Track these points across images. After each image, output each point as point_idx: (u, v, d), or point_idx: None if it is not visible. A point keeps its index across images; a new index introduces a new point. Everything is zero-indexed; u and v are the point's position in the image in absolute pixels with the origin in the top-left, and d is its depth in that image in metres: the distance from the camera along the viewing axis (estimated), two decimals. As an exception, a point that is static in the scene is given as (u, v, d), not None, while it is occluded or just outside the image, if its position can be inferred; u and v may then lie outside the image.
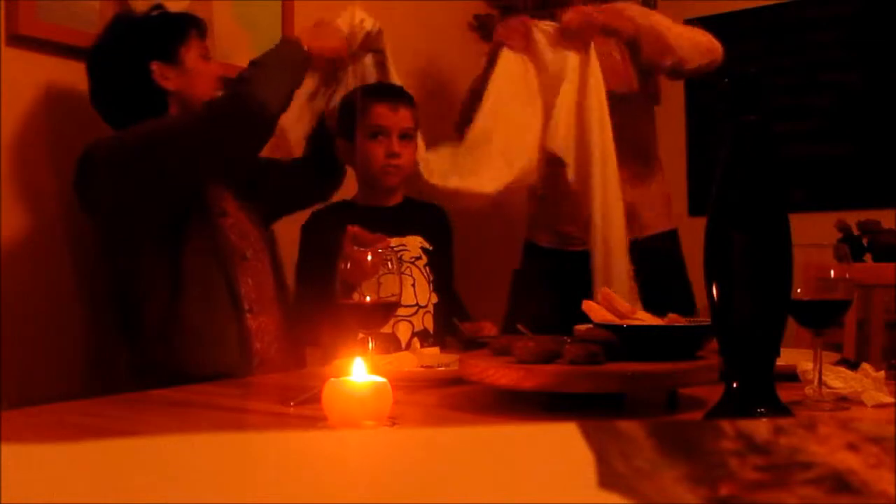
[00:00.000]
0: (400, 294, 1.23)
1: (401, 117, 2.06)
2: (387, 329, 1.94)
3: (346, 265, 1.23)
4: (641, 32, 2.15)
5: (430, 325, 2.05)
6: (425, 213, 2.20)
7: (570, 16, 2.12)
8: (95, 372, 1.88)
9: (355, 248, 1.45)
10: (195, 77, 1.84)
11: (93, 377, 1.87)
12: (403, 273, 1.95)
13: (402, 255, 2.04)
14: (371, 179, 2.09)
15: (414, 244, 2.10)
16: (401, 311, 1.95)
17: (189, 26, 1.86)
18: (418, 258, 2.09)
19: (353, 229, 1.59)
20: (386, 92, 2.10)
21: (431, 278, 2.10)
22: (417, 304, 2.06)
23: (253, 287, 1.82)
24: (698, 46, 2.21)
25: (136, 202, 1.69)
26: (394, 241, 2.03)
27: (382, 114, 2.05)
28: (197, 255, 1.73)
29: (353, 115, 2.05)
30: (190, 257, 1.72)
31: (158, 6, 1.88)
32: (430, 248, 2.12)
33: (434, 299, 2.08)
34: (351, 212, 2.08)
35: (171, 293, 1.69)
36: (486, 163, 2.09)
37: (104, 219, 1.75)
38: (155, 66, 1.78)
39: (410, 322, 2.03)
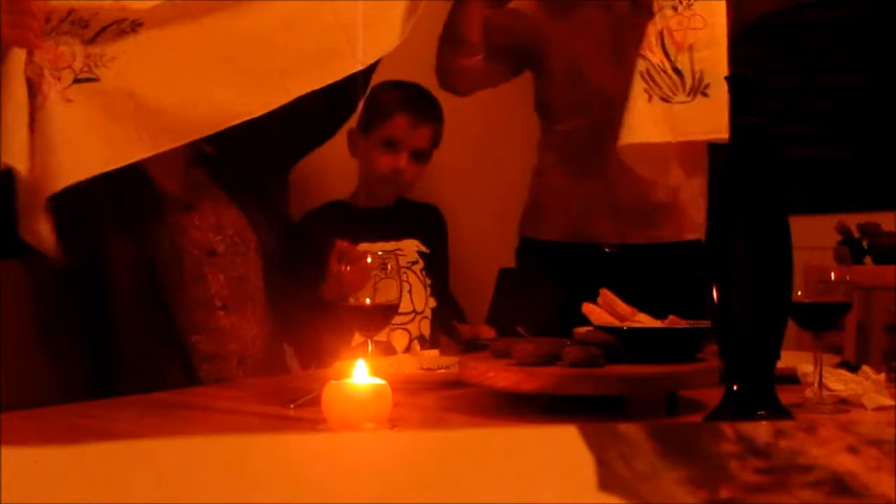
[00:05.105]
0: (399, 297, 1.22)
1: (419, 135, 1.96)
2: (381, 337, 1.87)
3: (346, 268, 1.23)
4: None
5: (426, 332, 2.01)
6: (421, 215, 2.15)
7: None
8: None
9: (341, 265, 1.43)
10: None
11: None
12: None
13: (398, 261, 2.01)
14: (369, 182, 2.04)
15: (410, 248, 2.06)
16: (397, 319, 1.86)
17: None
18: (415, 262, 2.05)
19: (342, 245, 1.53)
20: (414, 103, 1.97)
21: (428, 282, 2.06)
22: (414, 311, 2.01)
23: (225, 283, 1.66)
24: None
25: None
26: (389, 246, 2.01)
27: (401, 126, 1.94)
28: (132, 276, 1.55)
29: (375, 109, 1.90)
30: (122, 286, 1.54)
31: None
32: (427, 252, 2.09)
33: (432, 304, 2.04)
34: (345, 213, 2.05)
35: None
36: None
37: None
38: None
39: (407, 330, 1.98)
